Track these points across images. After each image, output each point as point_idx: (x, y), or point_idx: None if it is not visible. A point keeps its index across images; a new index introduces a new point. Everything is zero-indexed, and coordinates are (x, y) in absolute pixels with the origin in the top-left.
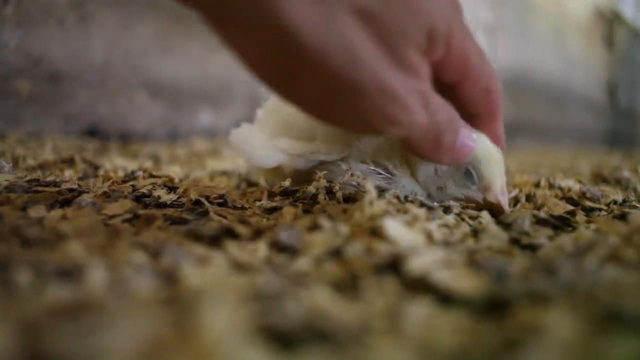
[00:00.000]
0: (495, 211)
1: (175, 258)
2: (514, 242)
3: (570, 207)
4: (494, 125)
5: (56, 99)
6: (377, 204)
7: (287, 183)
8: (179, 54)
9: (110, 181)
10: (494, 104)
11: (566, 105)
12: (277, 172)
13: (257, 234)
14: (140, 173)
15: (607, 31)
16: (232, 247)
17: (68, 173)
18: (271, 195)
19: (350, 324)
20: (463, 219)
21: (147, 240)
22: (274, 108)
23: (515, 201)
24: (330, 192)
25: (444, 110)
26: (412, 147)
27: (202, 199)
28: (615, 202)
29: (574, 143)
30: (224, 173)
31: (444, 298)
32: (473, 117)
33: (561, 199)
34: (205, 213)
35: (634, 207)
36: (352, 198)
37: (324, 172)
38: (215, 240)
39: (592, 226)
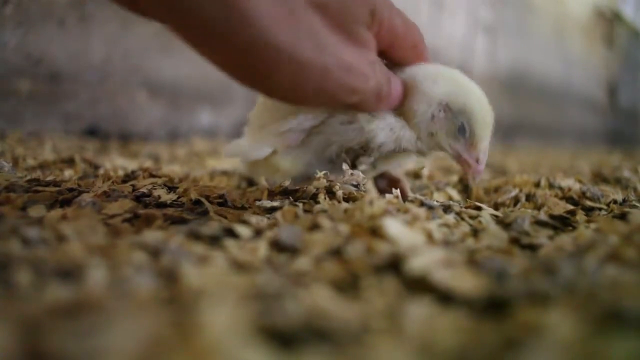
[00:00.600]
0: (469, 172)
1: (175, 258)
2: (514, 241)
3: (570, 207)
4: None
5: (56, 99)
6: (377, 203)
7: (287, 183)
8: (179, 54)
9: (110, 181)
10: (420, 54)
11: (566, 104)
12: (270, 166)
13: (257, 233)
14: (140, 173)
15: (607, 31)
16: (232, 246)
17: (68, 173)
18: (271, 195)
19: (351, 323)
20: (463, 219)
21: (147, 240)
22: (259, 106)
23: (515, 201)
24: (330, 192)
25: (382, 70)
26: (358, 106)
27: (202, 199)
28: (615, 202)
29: (574, 143)
30: (224, 173)
31: (444, 298)
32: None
33: (561, 198)
34: (205, 213)
35: (634, 206)
36: (353, 198)
37: (324, 172)
38: (215, 240)
39: (592, 226)
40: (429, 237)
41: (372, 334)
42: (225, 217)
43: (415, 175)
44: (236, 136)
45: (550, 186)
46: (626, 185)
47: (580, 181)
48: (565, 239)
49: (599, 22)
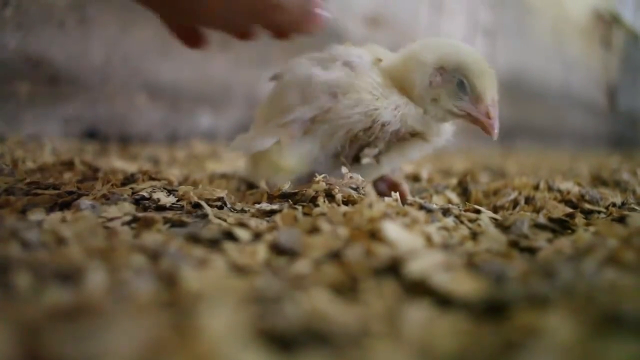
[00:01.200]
0: (484, 128)
1: (174, 261)
2: (513, 244)
3: (569, 210)
4: None
5: (56, 101)
6: (376, 206)
7: (286, 186)
8: (179, 56)
9: (110, 184)
10: None
11: (565, 107)
12: (278, 166)
13: (257, 236)
14: (139, 176)
15: (606, 33)
16: (231, 250)
17: (67, 176)
18: (270, 198)
19: (350, 326)
20: (462, 222)
21: (146, 243)
22: (264, 101)
23: (514, 204)
24: (329, 195)
25: None
26: (288, 28)
27: (202, 202)
28: (614, 205)
29: (573, 145)
30: (224, 175)
31: (443, 301)
32: None
33: (560, 201)
34: (205, 216)
35: (633, 209)
36: (352, 201)
37: (323, 175)
38: (214, 243)
39: (591, 229)
40: (428, 240)
41: (371, 337)
42: (225, 220)
43: (415, 178)
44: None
45: (550, 189)
46: (625, 188)
47: (579, 184)
48: (564, 242)
49: (597, 24)
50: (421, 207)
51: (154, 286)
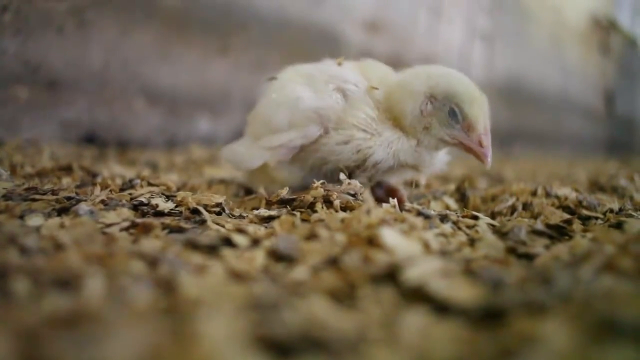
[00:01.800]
0: (477, 157)
1: (173, 267)
2: (511, 251)
3: (566, 216)
4: None
5: (54, 106)
6: (374, 213)
7: (284, 192)
8: (177, 61)
9: (108, 189)
10: None
11: (563, 112)
12: (267, 176)
13: (255, 242)
14: (138, 181)
15: (604, 39)
16: (229, 256)
17: (66, 181)
18: (269, 204)
19: (347, 333)
20: (460, 228)
21: (144, 249)
22: (255, 114)
23: (512, 210)
24: (327, 201)
25: None
26: None
27: (200, 208)
28: (611, 211)
29: (571, 151)
30: (222, 181)
31: (441, 307)
32: None
33: (558, 207)
34: (203, 222)
35: (630, 215)
36: (350, 207)
37: (322, 181)
38: (212, 249)
39: (589, 235)
40: (426, 246)
41: (368, 344)
42: (223, 226)
43: (413, 183)
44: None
45: (547, 195)
46: (622, 194)
47: (577, 190)
48: (562, 249)
49: (595, 30)
50: (419, 213)
51: (152, 292)
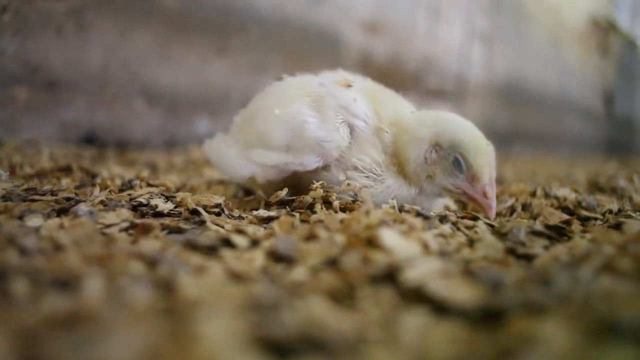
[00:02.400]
0: (481, 208)
1: (172, 268)
2: (510, 251)
3: (566, 217)
4: None
5: (54, 107)
6: (373, 213)
7: (283, 193)
8: (177, 62)
9: (108, 190)
10: None
11: (562, 113)
12: (253, 181)
13: (254, 243)
14: (137, 182)
15: (603, 40)
16: (228, 256)
17: (65, 181)
18: (268, 205)
19: (346, 334)
20: (459, 229)
21: (144, 250)
22: (249, 118)
23: (511, 210)
24: (327, 202)
25: None
26: None
27: (199, 208)
28: (610, 212)
29: (570, 151)
30: (221, 182)
31: (440, 308)
32: None
33: (557, 208)
34: (202, 222)
35: (630, 216)
36: (349, 208)
37: (321, 182)
38: (212, 250)
39: (588, 236)
40: (425, 247)
41: (367, 345)
42: (222, 227)
43: None
44: None
45: (546, 195)
46: (622, 194)
47: (576, 191)
48: (561, 249)
49: (594, 31)
50: (418, 214)
51: (151, 293)
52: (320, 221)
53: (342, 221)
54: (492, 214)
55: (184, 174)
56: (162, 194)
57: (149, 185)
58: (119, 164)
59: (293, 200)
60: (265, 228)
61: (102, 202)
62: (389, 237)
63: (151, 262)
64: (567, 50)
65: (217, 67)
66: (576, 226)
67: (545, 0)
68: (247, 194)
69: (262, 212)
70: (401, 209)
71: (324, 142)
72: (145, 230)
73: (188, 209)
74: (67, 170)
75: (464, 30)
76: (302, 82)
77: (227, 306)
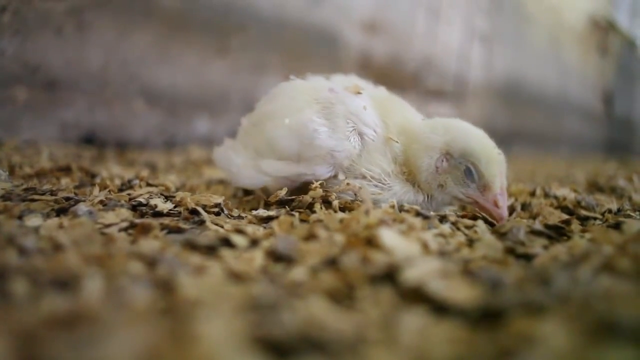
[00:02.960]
0: (492, 217)
1: (171, 268)
2: (509, 251)
3: (565, 216)
4: None
5: (53, 107)
6: (373, 213)
7: (283, 192)
8: (177, 62)
9: (107, 190)
10: None
11: (562, 113)
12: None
13: (254, 243)
14: (137, 182)
15: (602, 40)
16: (228, 256)
17: (65, 181)
18: (267, 205)
19: (346, 333)
20: (459, 228)
21: (143, 249)
22: (258, 123)
23: (511, 210)
24: (326, 202)
25: None
26: None
27: (199, 208)
28: (610, 211)
29: (570, 151)
30: (221, 181)
31: (439, 308)
32: None
33: (556, 207)
34: (202, 222)
35: (629, 216)
36: (349, 207)
37: (320, 182)
38: (211, 250)
39: (587, 235)
40: (425, 247)
41: (367, 345)
42: (222, 227)
43: None
44: None
45: (546, 195)
46: (621, 194)
47: (575, 190)
48: (560, 249)
49: (594, 31)
50: (418, 214)
51: (151, 293)
52: (320, 221)
53: (341, 221)
54: (504, 223)
55: (183, 173)
56: (162, 194)
57: (148, 185)
58: (119, 164)
59: (292, 200)
60: (264, 228)
61: (101, 202)
62: (389, 236)
63: (150, 262)
64: (567, 51)
65: (216, 67)
66: (575, 226)
67: (545, 1)
68: (246, 194)
69: (262, 212)
70: (401, 209)
71: (335, 152)
72: (145, 230)
73: (187, 209)
74: (66, 170)
75: (463, 30)
76: (311, 86)
77: (226, 306)
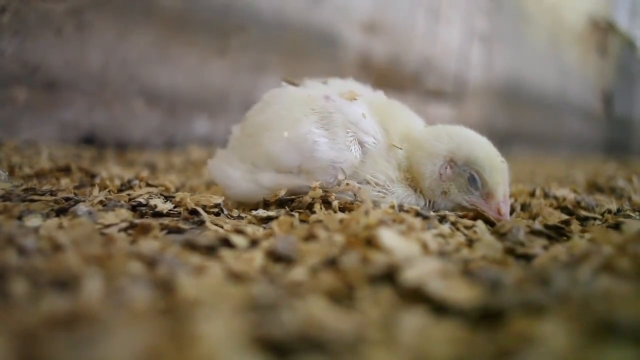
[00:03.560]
0: (494, 223)
1: (171, 268)
2: (509, 251)
3: (565, 217)
4: None
5: (53, 107)
6: (373, 213)
7: (282, 192)
8: (176, 62)
9: (107, 190)
10: None
11: (562, 113)
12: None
13: (253, 243)
14: (136, 182)
15: (602, 40)
16: (228, 256)
17: (64, 182)
18: (267, 205)
19: (345, 334)
20: (458, 229)
21: (143, 250)
22: (254, 134)
23: (511, 210)
24: (326, 202)
25: None
26: None
27: (199, 208)
28: (609, 212)
29: (569, 151)
30: None
31: (439, 308)
32: None
33: (556, 208)
34: (202, 222)
35: (629, 216)
36: (348, 208)
37: (319, 182)
38: (211, 250)
39: (587, 236)
40: (424, 247)
41: (366, 345)
42: (222, 227)
43: None
44: None
45: (546, 196)
46: (621, 194)
47: (575, 191)
48: (560, 249)
49: (593, 31)
50: (417, 214)
51: (150, 293)
52: (320, 221)
53: (341, 221)
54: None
55: (183, 174)
56: (162, 194)
57: (148, 185)
58: (118, 164)
59: (292, 200)
60: (264, 228)
61: (101, 202)
62: (388, 237)
63: (150, 262)
64: (566, 51)
65: (216, 67)
66: (575, 226)
67: (544, 1)
68: None
69: (261, 212)
70: (400, 209)
71: (336, 163)
72: (145, 230)
73: (187, 209)
74: (66, 170)
75: (463, 30)
76: (306, 95)
77: (226, 306)
